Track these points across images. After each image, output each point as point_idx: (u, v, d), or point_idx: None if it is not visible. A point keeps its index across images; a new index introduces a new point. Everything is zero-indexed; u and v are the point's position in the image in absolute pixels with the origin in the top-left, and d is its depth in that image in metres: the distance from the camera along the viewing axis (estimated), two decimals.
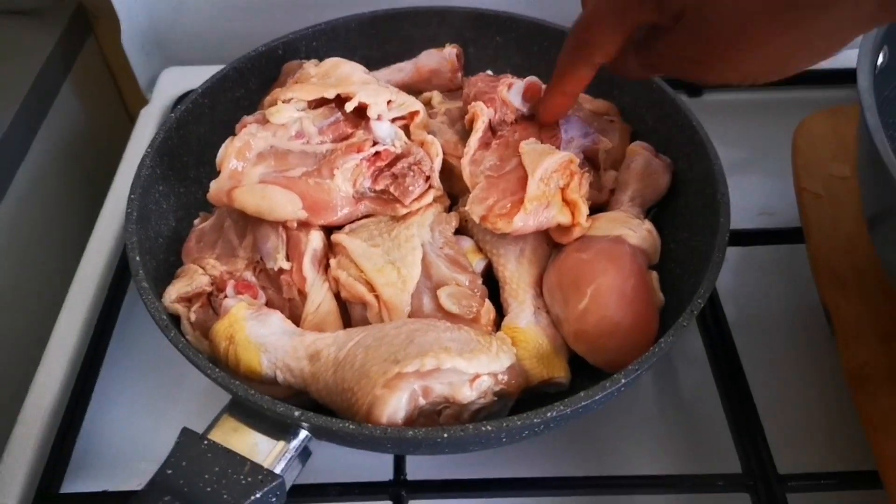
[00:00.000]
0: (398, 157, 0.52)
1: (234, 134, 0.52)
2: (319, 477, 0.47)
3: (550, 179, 0.50)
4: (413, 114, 0.55)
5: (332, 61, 0.57)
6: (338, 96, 0.53)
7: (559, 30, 0.64)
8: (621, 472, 0.51)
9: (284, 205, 0.49)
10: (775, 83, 0.79)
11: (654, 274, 0.50)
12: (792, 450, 0.50)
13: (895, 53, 0.51)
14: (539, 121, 0.56)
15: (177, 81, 0.79)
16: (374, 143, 0.52)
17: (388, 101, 0.54)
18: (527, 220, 0.49)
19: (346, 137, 0.52)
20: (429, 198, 0.53)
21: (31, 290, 0.75)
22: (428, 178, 0.53)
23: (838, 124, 0.65)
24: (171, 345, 0.44)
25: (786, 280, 0.62)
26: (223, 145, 0.51)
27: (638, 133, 0.61)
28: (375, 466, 0.48)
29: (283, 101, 0.53)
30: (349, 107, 0.52)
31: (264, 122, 0.52)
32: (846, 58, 0.77)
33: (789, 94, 0.75)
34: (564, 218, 0.50)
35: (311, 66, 0.61)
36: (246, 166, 0.50)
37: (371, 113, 0.52)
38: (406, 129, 0.55)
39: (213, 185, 0.50)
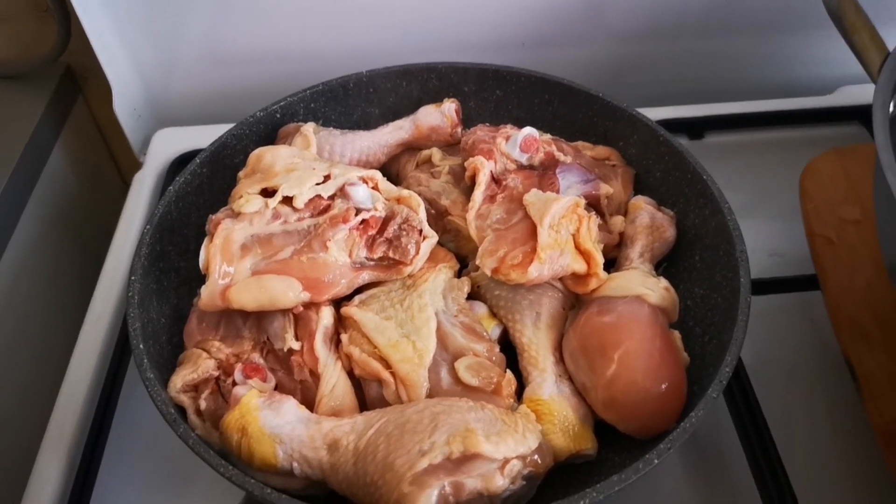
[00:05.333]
0: (386, 221, 0.51)
1: (206, 234, 0.50)
2: None
3: (560, 226, 0.50)
4: (368, 179, 0.53)
5: (254, 154, 0.55)
6: None
7: (558, 83, 0.64)
8: None
9: (285, 292, 0.47)
10: (777, 123, 0.78)
11: (677, 333, 0.49)
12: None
13: None
14: None
15: (170, 143, 0.78)
16: (357, 211, 0.51)
17: (326, 177, 0.51)
18: (542, 269, 0.48)
19: (325, 209, 0.51)
20: (427, 249, 0.51)
21: (28, 359, 0.73)
22: (420, 231, 0.52)
23: (846, 164, 0.65)
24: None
25: (803, 328, 0.61)
26: (202, 248, 0.49)
27: (645, 185, 0.60)
28: None
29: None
30: (273, 202, 0.50)
31: (236, 215, 0.50)
32: (845, 95, 0.78)
33: (791, 133, 0.75)
34: (580, 266, 0.50)
35: (309, 129, 0.60)
36: (234, 262, 0.48)
37: (296, 203, 0.50)
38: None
39: (204, 290, 0.48)
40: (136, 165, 0.81)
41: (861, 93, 0.77)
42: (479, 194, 0.53)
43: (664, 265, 0.56)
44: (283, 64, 0.81)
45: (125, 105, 0.77)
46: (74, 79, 0.84)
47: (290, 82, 0.75)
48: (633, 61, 0.81)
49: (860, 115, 0.75)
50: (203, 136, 0.77)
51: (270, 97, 0.68)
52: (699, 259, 0.54)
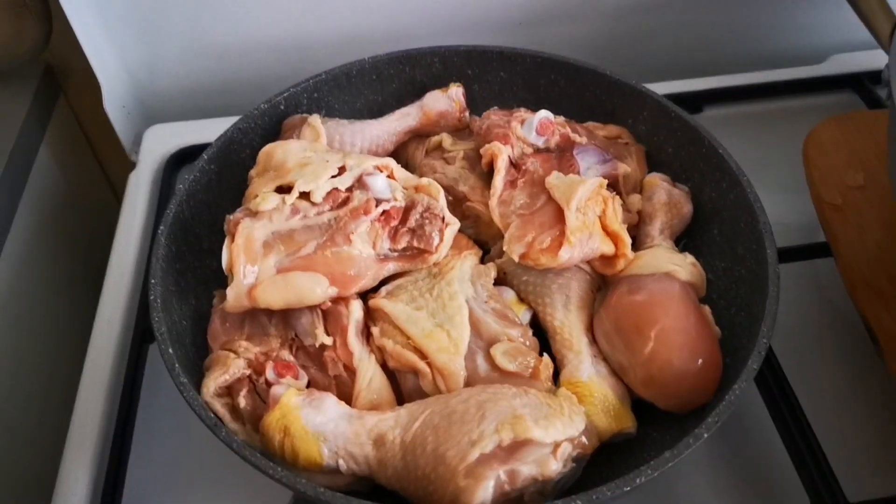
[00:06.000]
0: (407, 210, 0.50)
1: (225, 234, 0.49)
2: None
3: (586, 208, 0.50)
4: (383, 167, 0.52)
5: (264, 151, 0.54)
6: None
7: (563, 62, 0.63)
8: None
9: (312, 289, 0.47)
10: (773, 94, 0.79)
11: (707, 308, 0.49)
12: (857, 476, 0.49)
13: None
14: None
15: (162, 140, 0.76)
16: (377, 202, 0.50)
17: (340, 168, 0.50)
18: (572, 252, 0.48)
19: (345, 201, 0.50)
20: (451, 236, 0.51)
21: (28, 364, 0.71)
22: (443, 218, 0.51)
23: (846, 132, 0.66)
24: (201, 434, 0.41)
25: (814, 295, 0.62)
26: (224, 248, 0.48)
27: (657, 161, 0.60)
28: None
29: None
30: (290, 199, 0.49)
31: (254, 213, 0.49)
32: (838, 64, 0.79)
33: (787, 103, 0.76)
34: (608, 248, 0.50)
35: (317, 120, 0.58)
36: (257, 261, 0.47)
37: (314, 198, 0.49)
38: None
39: (230, 292, 0.46)
40: (121, 163, 0.79)
41: (852, 60, 0.78)
42: (499, 180, 0.53)
43: (683, 241, 0.56)
44: (273, 54, 0.79)
45: (114, 102, 0.75)
46: (55, 77, 0.81)
47: (282, 73, 0.74)
48: (627, 37, 0.80)
49: (853, 82, 0.76)
50: (196, 132, 0.75)
51: (261, 89, 0.67)
52: (718, 233, 0.55)
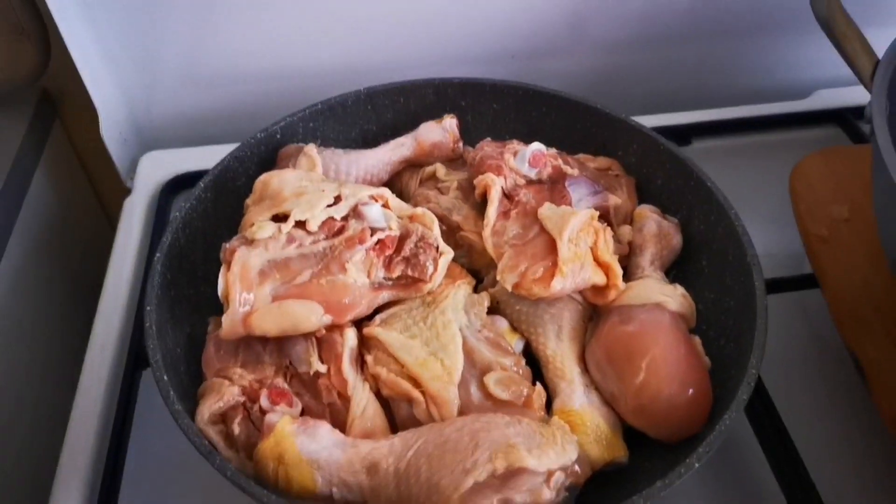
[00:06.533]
0: (402, 239, 0.51)
1: (220, 262, 0.49)
2: None
3: (578, 239, 0.50)
4: (378, 197, 0.53)
5: (260, 181, 0.54)
6: None
7: (555, 95, 0.65)
8: None
9: (307, 316, 0.47)
10: (759, 127, 0.81)
11: (698, 339, 0.50)
12: (843, 499, 0.50)
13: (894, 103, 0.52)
14: None
15: (158, 167, 0.76)
16: (372, 231, 0.51)
17: (336, 198, 0.51)
18: (564, 282, 0.49)
19: (340, 230, 0.51)
20: (444, 265, 0.52)
21: (20, 387, 0.71)
22: (437, 247, 0.52)
23: (832, 165, 0.67)
24: (194, 462, 0.41)
25: (801, 326, 0.63)
26: (220, 276, 0.48)
27: (647, 192, 0.61)
28: None
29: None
30: (286, 227, 0.49)
31: (250, 241, 0.49)
32: (822, 99, 0.81)
33: (772, 136, 0.78)
34: (600, 278, 0.51)
35: (312, 149, 0.59)
36: (253, 289, 0.47)
37: (310, 227, 0.50)
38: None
39: (225, 319, 0.47)
40: (116, 190, 0.80)
41: (836, 96, 0.80)
42: (492, 211, 0.54)
43: (673, 272, 0.57)
44: (269, 84, 0.80)
45: (111, 129, 0.75)
46: (52, 103, 0.82)
47: (278, 102, 0.75)
48: (618, 71, 0.82)
49: (837, 117, 0.78)
50: (191, 159, 0.76)
51: (258, 118, 0.67)
52: (706, 264, 0.56)
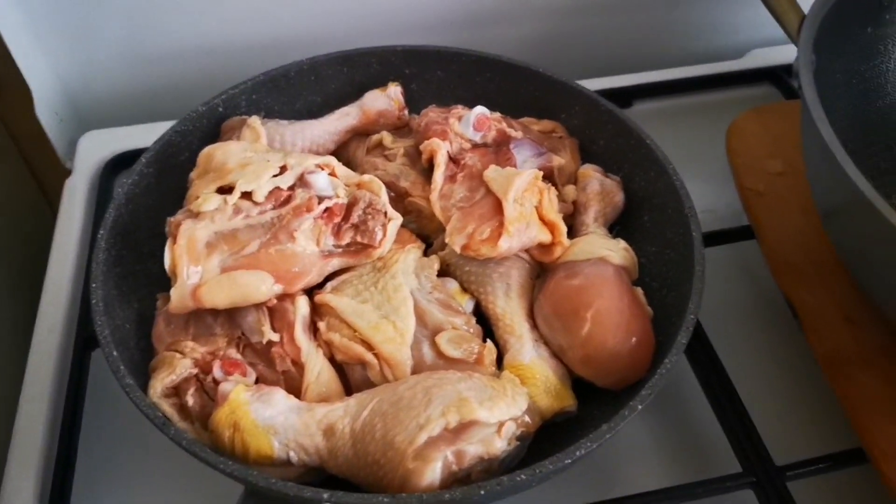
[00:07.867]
0: (349, 207, 0.52)
1: (167, 236, 0.49)
2: None
3: (523, 199, 0.52)
4: (325, 166, 0.53)
5: (203, 153, 0.54)
6: None
7: (498, 60, 0.65)
8: (632, 491, 0.51)
9: (257, 286, 0.47)
10: (697, 88, 0.83)
11: (640, 290, 0.52)
12: (783, 441, 0.52)
13: (821, 58, 0.54)
14: None
15: (98, 146, 0.74)
16: (320, 199, 0.51)
17: (282, 167, 0.51)
18: (511, 241, 0.50)
19: (287, 200, 0.51)
20: (393, 231, 0.52)
21: None
22: (385, 213, 0.52)
23: (766, 122, 0.70)
24: (149, 437, 0.41)
25: (739, 275, 0.66)
26: (166, 250, 0.48)
27: (590, 153, 0.63)
28: None
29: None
30: (232, 199, 0.49)
31: (196, 214, 0.49)
32: (755, 58, 0.84)
33: (710, 97, 0.80)
34: (545, 236, 0.52)
35: (256, 121, 0.59)
36: (200, 261, 0.47)
37: (256, 197, 0.50)
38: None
39: (174, 293, 0.47)
40: (56, 170, 0.77)
41: (769, 55, 0.82)
42: (439, 175, 0.54)
43: (616, 228, 0.59)
44: (209, 58, 0.79)
45: (47, 109, 0.73)
46: None
47: (219, 77, 0.73)
48: (560, 37, 0.83)
49: (771, 75, 0.80)
50: (132, 137, 0.75)
51: (198, 93, 0.66)
52: (648, 219, 0.57)
